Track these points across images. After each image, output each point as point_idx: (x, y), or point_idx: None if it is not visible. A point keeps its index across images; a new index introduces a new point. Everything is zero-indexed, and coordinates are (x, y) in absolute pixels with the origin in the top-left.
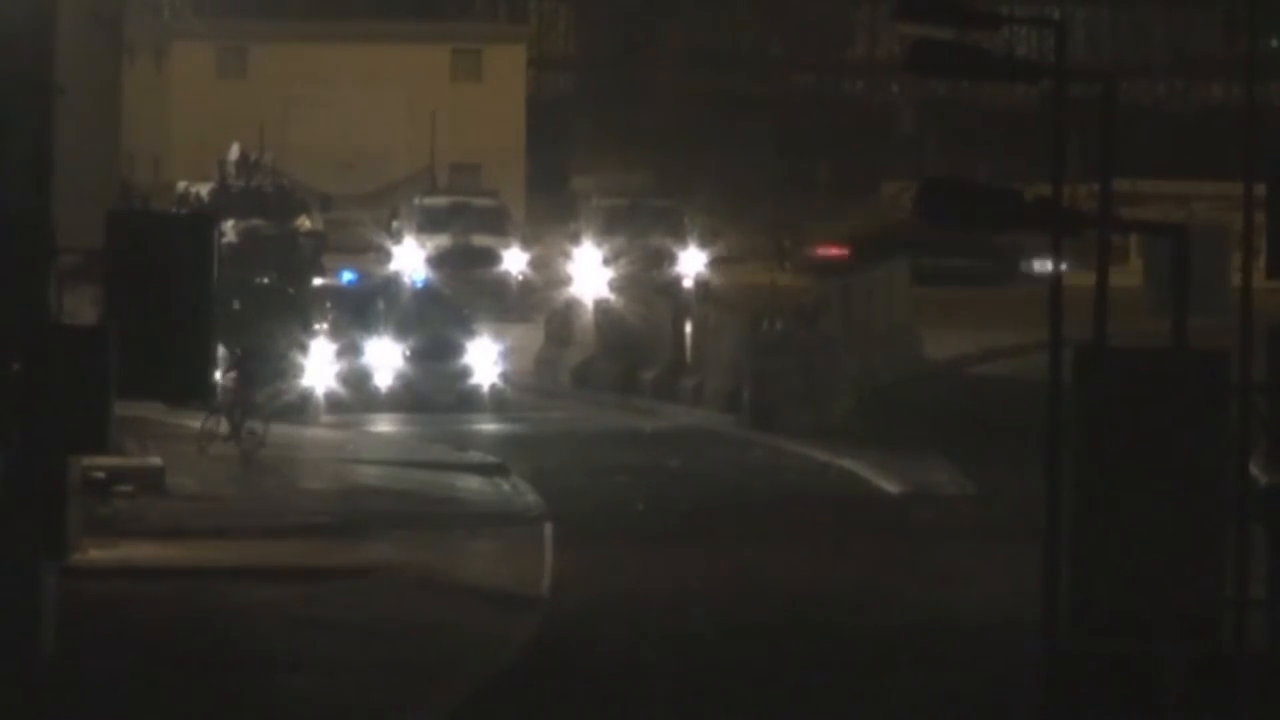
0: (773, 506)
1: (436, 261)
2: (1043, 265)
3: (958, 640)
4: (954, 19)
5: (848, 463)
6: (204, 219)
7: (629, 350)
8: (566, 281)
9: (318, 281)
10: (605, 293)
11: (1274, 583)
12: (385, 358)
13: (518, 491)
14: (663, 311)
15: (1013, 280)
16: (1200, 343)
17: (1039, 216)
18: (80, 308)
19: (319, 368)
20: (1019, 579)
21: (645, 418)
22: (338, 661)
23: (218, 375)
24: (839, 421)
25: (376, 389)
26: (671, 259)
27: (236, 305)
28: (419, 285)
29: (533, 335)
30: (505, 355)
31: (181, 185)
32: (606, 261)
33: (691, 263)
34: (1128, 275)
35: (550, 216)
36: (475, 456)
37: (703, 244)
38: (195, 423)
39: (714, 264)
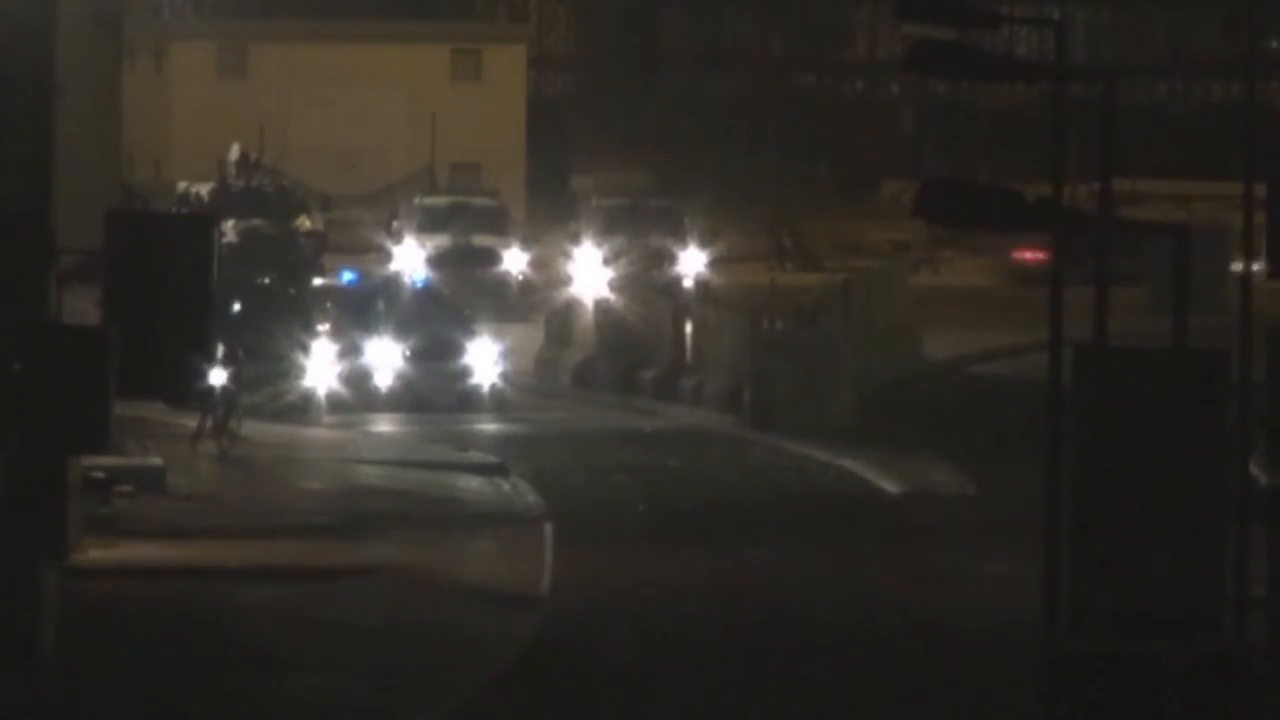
0: (773, 506)
1: (436, 261)
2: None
3: (958, 640)
4: (954, 19)
5: (848, 463)
6: (204, 219)
7: (629, 350)
8: (566, 281)
9: (318, 281)
10: (605, 293)
11: (1274, 583)
12: (385, 358)
13: (518, 491)
14: (663, 311)
15: None
16: (1200, 343)
17: (1039, 216)
18: (85, 308)
19: (320, 368)
20: (1019, 579)
21: (645, 418)
22: (338, 661)
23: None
24: (839, 421)
25: (377, 389)
26: (671, 259)
27: (237, 305)
28: (419, 285)
29: (533, 335)
30: (505, 355)
31: (181, 185)
32: (606, 261)
33: (691, 263)
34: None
35: (550, 216)
36: (475, 456)
37: (703, 244)
38: (195, 423)
39: (714, 264)
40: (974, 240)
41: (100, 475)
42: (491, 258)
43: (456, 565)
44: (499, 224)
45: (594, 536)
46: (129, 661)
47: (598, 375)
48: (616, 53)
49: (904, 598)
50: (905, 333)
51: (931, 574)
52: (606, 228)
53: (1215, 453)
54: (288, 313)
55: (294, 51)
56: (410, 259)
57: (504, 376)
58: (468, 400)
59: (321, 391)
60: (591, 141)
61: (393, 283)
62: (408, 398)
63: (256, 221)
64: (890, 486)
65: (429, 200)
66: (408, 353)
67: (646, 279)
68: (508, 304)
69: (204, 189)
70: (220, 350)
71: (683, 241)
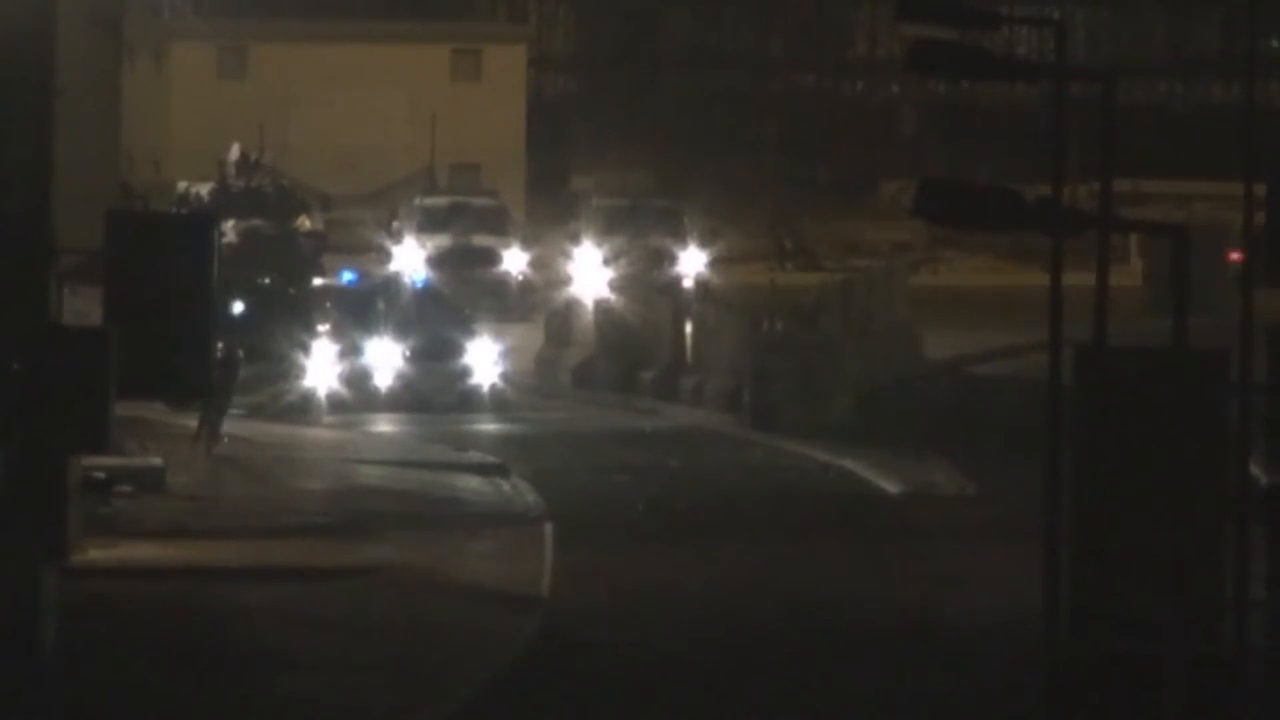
0: (773, 506)
1: (436, 261)
2: None
3: (958, 640)
4: (954, 19)
5: (848, 463)
6: (204, 219)
7: (629, 350)
8: (566, 281)
9: (318, 281)
10: (605, 293)
11: (1274, 583)
12: (385, 358)
13: (518, 491)
14: (663, 311)
15: None
16: (1200, 343)
17: (1039, 216)
18: (89, 308)
19: (320, 368)
20: (1019, 579)
21: (645, 418)
22: (338, 661)
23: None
24: (839, 421)
25: (377, 389)
26: (671, 259)
27: (238, 305)
28: (419, 285)
29: (533, 335)
30: (505, 355)
31: (181, 185)
32: (606, 261)
33: (691, 263)
34: (1128, 275)
35: (550, 216)
36: (475, 456)
37: (703, 244)
38: (195, 423)
39: (714, 264)
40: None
41: (100, 475)
42: (491, 258)
43: (456, 565)
44: (499, 224)
45: (594, 536)
46: (129, 661)
47: (598, 375)
48: (616, 53)
49: (904, 598)
50: (905, 333)
51: (931, 574)
52: (606, 228)
53: (1215, 453)
54: (288, 313)
55: (294, 51)
56: (410, 259)
57: (504, 376)
58: (468, 400)
59: (321, 391)
60: (591, 141)
61: (393, 283)
62: (408, 398)
63: (256, 221)
64: (890, 486)
65: (429, 200)
66: (408, 353)
67: (646, 279)
68: (508, 304)
69: (204, 189)
70: (220, 350)
71: (683, 241)
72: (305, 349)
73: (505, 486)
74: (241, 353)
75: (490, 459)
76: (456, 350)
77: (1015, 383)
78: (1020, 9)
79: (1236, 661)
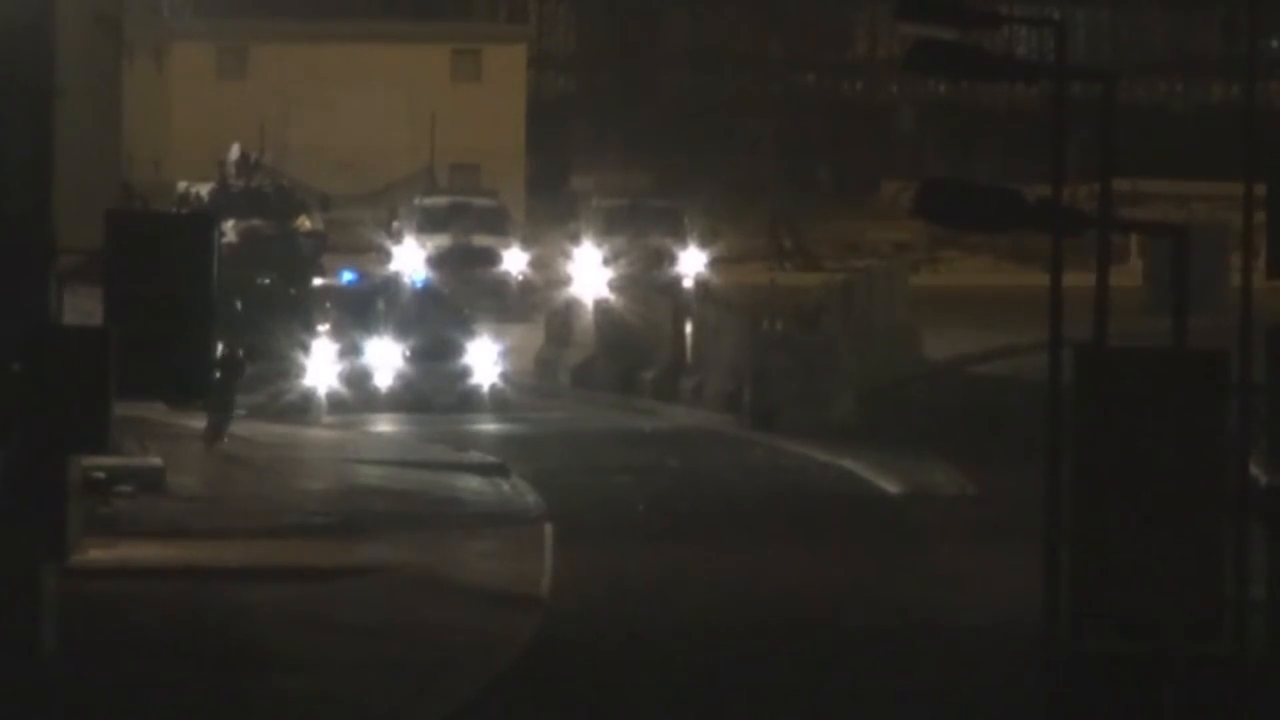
0: (773, 507)
1: (436, 261)
2: None
3: (958, 640)
4: (954, 19)
5: (848, 463)
6: (204, 219)
7: (629, 350)
8: (566, 281)
9: (318, 281)
10: (605, 293)
11: (1274, 583)
12: (385, 358)
13: (518, 492)
14: (663, 311)
15: None
16: (1200, 343)
17: (1039, 216)
18: (92, 308)
19: (321, 368)
20: (1019, 579)
21: (645, 418)
22: (338, 661)
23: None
24: (839, 421)
25: (377, 389)
26: (671, 259)
27: (237, 305)
28: (419, 285)
29: (533, 335)
30: (505, 355)
31: (181, 185)
32: (606, 261)
33: (691, 263)
34: (1128, 275)
35: (550, 216)
36: (475, 456)
37: (703, 244)
38: (195, 423)
39: (714, 264)
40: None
41: (100, 475)
42: (491, 258)
43: (456, 565)
44: (499, 224)
45: (594, 536)
46: (129, 661)
47: (598, 375)
48: (616, 53)
49: (904, 598)
50: (905, 333)
51: (931, 574)
52: (606, 228)
53: (1215, 453)
54: (288, 313)
55: (294, 51)
56: (410, 259)
57: (504, 376)
58: (468, 400)
59: (321, 391)
60: (591, 141)
61: (393, 283)
62: (408, 398)
63: (256, 221)
64: (890, 486)
65: (429, 200)
66: (408, 353)
67: (646, 279)
68: (508, 304)
69: (204, 189)
70: (220, 350)
71: (683, 241)
72: (305, 349)
73: (505, 486)
74: (242, 352)
75: (490, 459)
76: (456, 350)
77: (1015, 383)
78: (1020, 9)
79: (1236, 661)
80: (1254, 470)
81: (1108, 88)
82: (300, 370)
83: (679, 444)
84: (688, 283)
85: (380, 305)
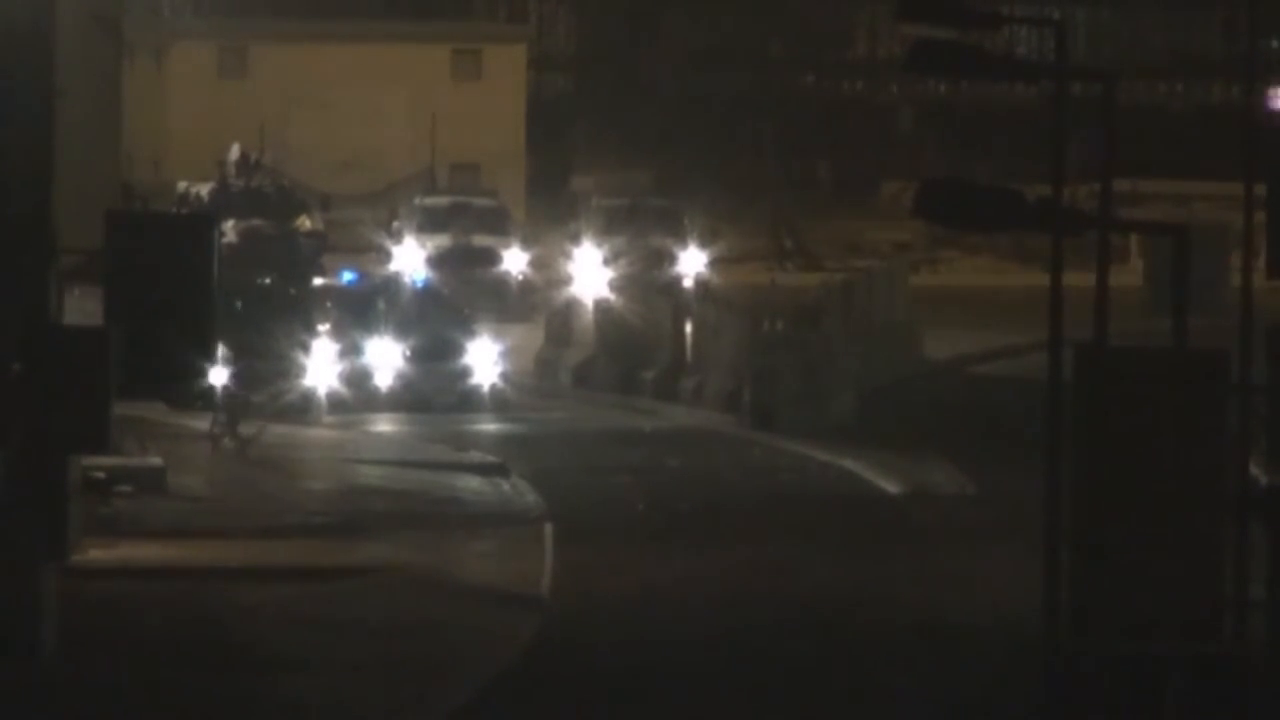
0: (773, 507)
1: (436, 261)
2: None
3: (958, 641)
4: (954, 19)
5: (848, 463)
6: (204, 219)
7: (629, 350)
8: (566, 281)
9: (318, 281)
10: (605, 293)
11: (1274, 583)
12: (385, 358)
13: (518, 491)
14: (663, 311)
15: None
16: (1200, 343)
17: (1039, 216)
18: (95, 308)
19: (321, 368)
20: (1019, 579)
21: (645, 418)
22: (338, 661)
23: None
24: (839, 421)
25: (377, 389)
26: (671, 259)
27: (238, 305)
28: (419, 285)
29: (533, 335)
30: (505, 355)
31: (181, 185)
32: (606, 261)
33: (691, 263)
34: (1128, 275)
35: (550, 216)
36: (475, 456)
37: (703, 244)
38: (195, 423)
39: (714, 264)
40: None
41: (100, 475)
42: (491, 258)
43: (456, 565)
44: (499, 224)
45: (594, 536)
46: (129, 661)
47: (598, 375)
48: (617, 53)
49: (904, 597)
50: (905, 333)
51: (931, 574)
52: (606, 228)
53: (1215, 453)
54: (288, 313)
55: (294, 51)
56: (410, 259)
57: (504, 376)
58: (468, 400)
59: (321, 391)
60: (591, 141)
61: (393, 283)
62: (408, 398)
63: (256, 221)
64: (890, 486)
65: (429, 200)
66: (408, 353)
67: (646, 279)
68: (508, 304)
69: (204, 189)
70: (224, 351)
71: (683, 241)
72: (305, 349)
73: (505, 486)
74: (240, 351)
75: (490, 459)
76: (456, 350)
77: (1015, 383)
78: (1020, 9)
79: (1236, 662)
80: (1254, 470)
81: (1108, 88)
82: (300, 370)
83: (679, 444)
84: (688, 283)
85: (380, 305)
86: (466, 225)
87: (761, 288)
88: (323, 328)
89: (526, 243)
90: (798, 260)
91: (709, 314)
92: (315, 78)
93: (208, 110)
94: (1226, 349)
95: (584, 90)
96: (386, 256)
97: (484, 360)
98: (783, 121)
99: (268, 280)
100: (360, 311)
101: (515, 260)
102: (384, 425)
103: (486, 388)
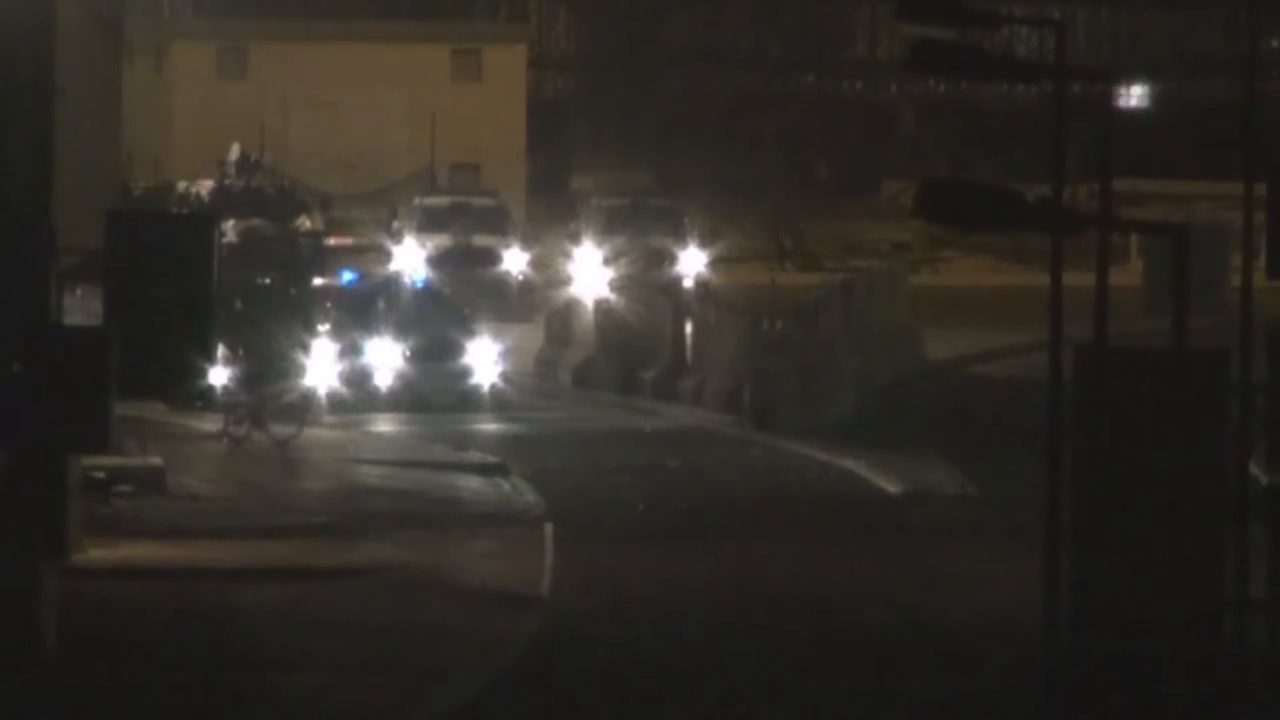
0: (772, 507)
1: (436, 261)
2: None
3: (958, 640)
4: (954, 19)
5: (848, 463)
6: (204, 219)
7: (629, 350)
8: (566, 281)
9: (318, 281)
10: (605, 293)
11: (1274, 583)
12: (385, 358)
13: (518, 491)
14: (663, 311)
15: None
16: (1200, 343)
17: (1039, 216)
18: (98, 308)
19: (321, 368)
20: (1019, 579)
21: (645, 418)
22: (338, 661)
23: (223, 376)
24: (839, 421)
25: (377, 389)
26: (671, 259)
27: (238, 305)
28: (419, 285)
29: (533, 335)
30: (505, 355)
31: (181, 185)
32: (606, 261)
33: (691, 263)
34: (1128, 275)
35: (550, 216)
36: (475, 456)
37: (703, 244)
38: (196, 423)
39: (714, 264)
40: None
41: (100, 475)
42: (491, 258)
43: (456, 565)
44: (499, 224)
45: (594, 536)
46: (129, 661)
47: (598, 375)
48: (616, 53)
49: (904, 598)
50: (905, 333)
51: (931, 574)
52: (606, 228)
53: (1215, 453)
54: (288, 313)
55: (294, 51)
56: (410, 259)
57: (504, 376)
58: (468, 400)
59: (321, 391)
60: (591, 141)
61: (393, 283)
62: (408, 398)
63: (256, 221)
64: (890, 486)
65: (429, 200)
66: (408, 353)
67: (646, 279)
68: (508, 304)
69: (204, 189)
70: (240, 351)
71: (683, 241)
72: (305, 349)
73: (505, 486)
74: (245, 352)
75: (490, 459)
76: (456, 350)
77: (1015, 383)
78: (1020, 9)
79: (1236, 661)
80: (1254, 470)
81: (1108, 88)
82: (300, 370)
83: (679, 444)
84: (688, 283)
85: (380, 305)
86: (466, 225)
87: (761, 288)
88: (323, 328)
89: (526, 243)
90: (798, 260)
91: (709, 314)
92: (315, 78)
93: (208, 110)
94: (1226, 349)
95: (584, 90)
96: (386, 256)
97: (484, 360)
98: (783, 121)
99: (268, 280)
100: (360, 311)
101: (515, 260)
102: (384, 425)
103: (486, 388)
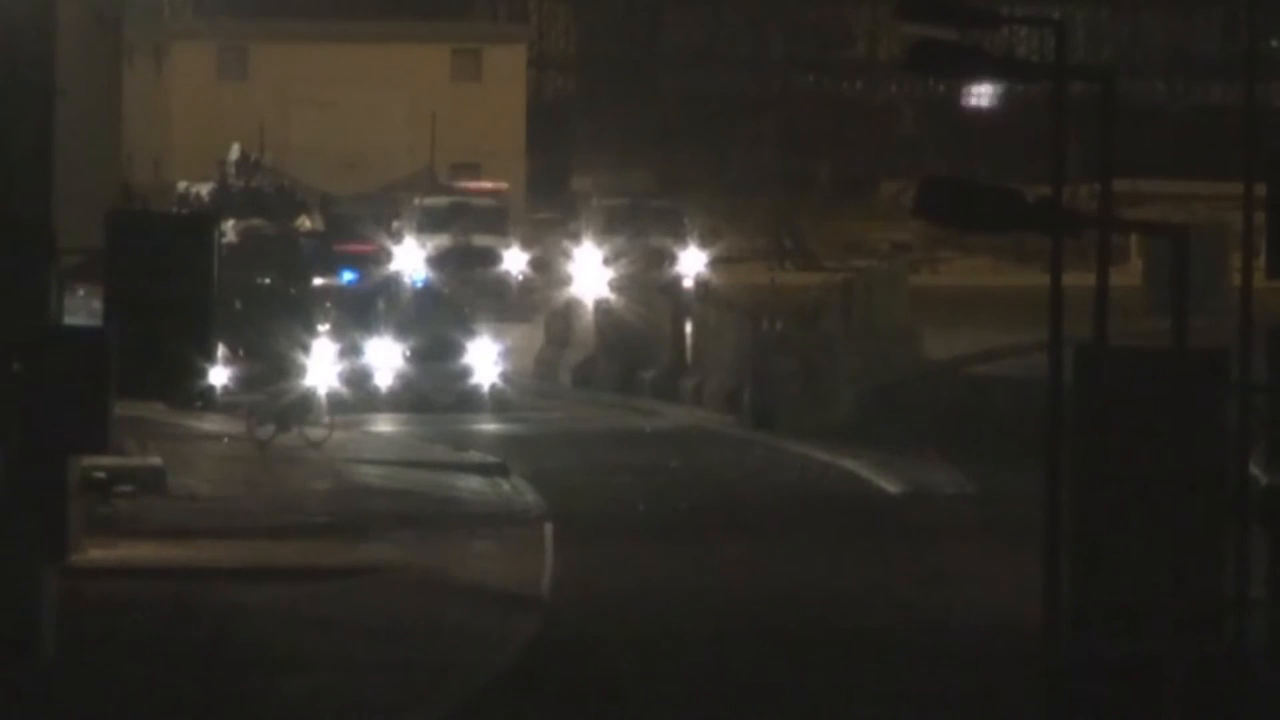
0: (773, 507)
1: (436, 261)
2: None
3: (958, 640)
4: (954, 19)
5: (848, 463)
6: (205, 219)
7: (629, 350)
8: (566, 281)
9: (318, 281)
10: (605, 293)
11: (1274, 582)
12: (385, 358)
13: (518, 491)
14: (663, 311)
15: None
16: (1200, 343)
17: (1039, 216)
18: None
19: (321, 368)
20: (1019, 579)
21: (645, 418)
22: (338, 661)
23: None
24: (839, 421)
25: (377, 389)
26: (671, 259)
27: (238, 305)
28: (419, 285)
29: (533, 335)
30: (505, 355)
31: (181, 185)
32: (606, 261)
33: (691, 263)
34: (1127, 275)
35: (551, 213)
36: (475, 456)
37: (703, 244)
38: (196, 423)
39: (714, 264)
40: None
41: (100, 475)
42: (491, 258)
43: (456, 565)
44: (499, 224)
45: (594, 536)
46: (129, 661)
47: (598, 375)
48: (616, 53)
49: (904, 597)
50: (905, 333)
51: (931, 574)
52: (606, 228)
53: (1215, 453)
54: (288, 313)
55: (294, 51)
56: (410, 259)
57: (504, 376)
58: (468, 400)
59: (322, 391)
60: (591, 141)
61: (393, 283)
62: (408, 398)
63: (256, 221)
64: (890, 486)
65: (429, 200)
66: (408, 353)
67: (646, 279)
68: (508, 304)
69: (204, 189)
70: (239, 351)
71: (683, 241)
72: (305, 349)
73: (505, 486)
74: (258, 354)
75: (490, 459)
76: (456, 350)
77: (1015, 383)
78: (1020, 9)
79: (1236, 662)
80: (1254, 470)
81: (1108, 88)
82: (300, 370)
83: (679, 444)
84: (688, 283)
85: (380, 305)
86: (466, 225)
87: (761, 288)
88: (323, 328)
89: (526, 243)
90: (798, 260)
91: (709, 314)
92: (315, 78)
93: (208, 110)
94: (1226, 349)
95: (584, 90)
96: (386, 256)
97: (484, 360)
98: (783, 121)
99: (268, 280)
100: (360, 311)
101: (515, 260)
102: (384, 425)
103: (486, 388)
